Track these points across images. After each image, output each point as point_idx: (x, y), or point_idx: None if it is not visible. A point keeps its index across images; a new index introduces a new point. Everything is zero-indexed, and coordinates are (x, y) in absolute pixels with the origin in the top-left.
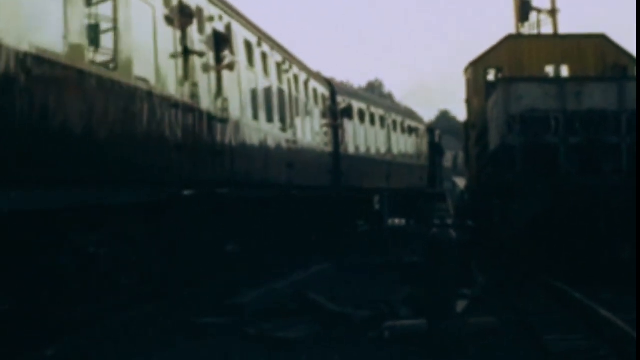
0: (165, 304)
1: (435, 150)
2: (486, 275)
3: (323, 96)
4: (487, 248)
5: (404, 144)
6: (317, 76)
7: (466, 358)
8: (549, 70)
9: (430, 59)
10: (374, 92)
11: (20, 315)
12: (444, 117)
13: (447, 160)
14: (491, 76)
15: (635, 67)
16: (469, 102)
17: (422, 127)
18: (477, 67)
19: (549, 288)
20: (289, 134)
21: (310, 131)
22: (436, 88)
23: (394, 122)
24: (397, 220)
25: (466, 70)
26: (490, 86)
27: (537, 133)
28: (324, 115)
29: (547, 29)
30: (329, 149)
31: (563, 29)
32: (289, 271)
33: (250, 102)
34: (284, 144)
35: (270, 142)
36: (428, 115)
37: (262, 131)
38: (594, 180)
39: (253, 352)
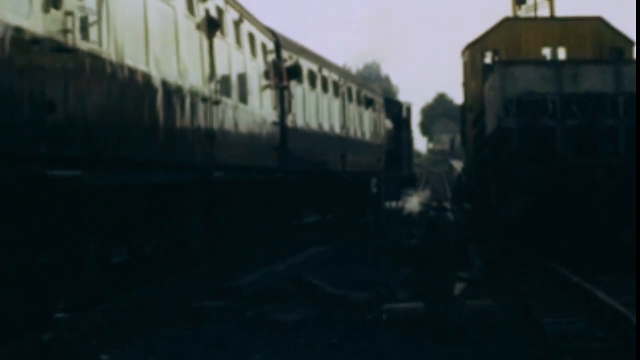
0: (163, 287)
1: (403, 127)
2: (484, 258)
3: (264, 47)
4: (485, 231)
5: (361, 118)
6: (256, 21)
7: (464, 341)
8: (546, 52)
9: (427, 42)
10: (372, 74)
11: (17, 300)
12: (441, 100)
13: (444, 143)
14: (488, 59)
15: (634, 49)
16: (466, 85)
17: (379, 100)
18: (474, 50)
19: (547, 271)
20: (208, 89)
21: (242, 90)
22: (433, 71)
23: (350, 91)
24: (394, 204)
25: (463, 53)
26: (488, 69)
27: (534, 116)
28: (266, 74)
29: (544, 12)
30: (273, 118)
31: (560, 12)
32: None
33: (126, 29)
34: (200, 105)
35: (175, 98)
36: (425, 97)
37: (154, 78)
38: (591, 163)
39: (251, 336)
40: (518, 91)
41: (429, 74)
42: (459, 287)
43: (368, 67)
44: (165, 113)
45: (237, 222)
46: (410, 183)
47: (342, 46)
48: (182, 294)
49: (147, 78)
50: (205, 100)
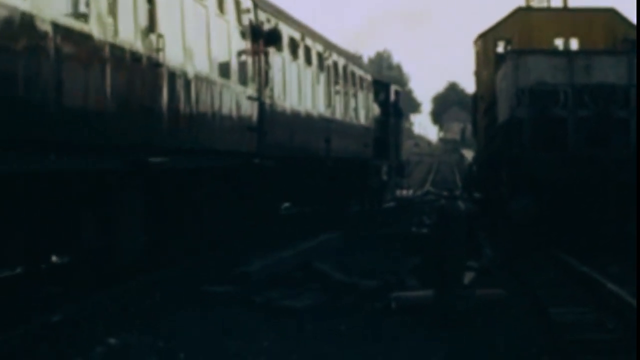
0: (173, 271)
1: (392, 111)
2: (494, 247)
3: (237, 4)
4: (495, 220)
5: (348, 97)
6: None
7: (472, 329)
8: (559, 43)
9: (439, 30)
10: (382, 63)
11: (23, 284)
12: (453, 89)
13: (455, 132)
14: (500, 48)
15: None
16: (478, 74)
17: (368, 78)
18: (486, 39)
19: (556, 261)
20: (143, 45)
21: (202, 52)
22: (445, 59)
23: (336, 65)
24: (404, 191)
25: (476, 42)
26: (500, 58)
27: (545, 106)
28: (242, 36)
29: (557, 2)
30: (249, 91)
31: (573, 3)
32: None
33: None
34: (129, 64)
35: (79, 51)
36: (436, 86)
37: (38, 19)
38: (602, 154)
39: (259, 321)
40: (530, 81)
41: (441, 62)
42: (468, 276)
43: (379, 55)
44: (57, 71)
45: (197, 220)
46: (398, 173)
47: (352, 33)
48: (190, 278)
49: (27, 17)
50: (138, 59)
